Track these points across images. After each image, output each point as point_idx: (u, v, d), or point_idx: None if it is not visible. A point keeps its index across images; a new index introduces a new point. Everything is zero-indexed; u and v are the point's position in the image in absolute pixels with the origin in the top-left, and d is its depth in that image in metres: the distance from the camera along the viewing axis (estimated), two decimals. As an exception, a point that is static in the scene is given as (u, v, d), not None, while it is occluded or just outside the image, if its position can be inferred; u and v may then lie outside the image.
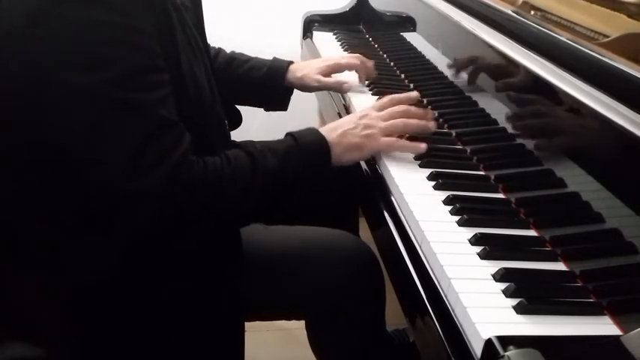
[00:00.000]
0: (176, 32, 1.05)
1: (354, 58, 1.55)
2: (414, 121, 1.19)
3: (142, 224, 1.01)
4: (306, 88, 1.52)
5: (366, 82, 1.55)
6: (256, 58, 1.53)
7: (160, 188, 0.97)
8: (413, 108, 1.22)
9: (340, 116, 1.50)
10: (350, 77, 1.54)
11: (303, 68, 1.52)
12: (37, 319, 1.08)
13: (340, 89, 1.51)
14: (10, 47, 0.95)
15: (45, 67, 0.94)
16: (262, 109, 1.57)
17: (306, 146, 1.11)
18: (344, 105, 1.52)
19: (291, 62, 1.53)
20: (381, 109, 1.21)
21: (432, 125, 1.21)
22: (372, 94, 1.51)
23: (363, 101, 1.46)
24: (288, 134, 1.13)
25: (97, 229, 1.04)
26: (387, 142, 1.17)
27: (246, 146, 1.10)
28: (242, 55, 1.53)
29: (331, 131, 1.15)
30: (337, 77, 1.53)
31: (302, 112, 1.43)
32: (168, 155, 0.98)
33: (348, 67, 1.54)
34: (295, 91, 1.55)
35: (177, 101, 1.02)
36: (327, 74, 1.51)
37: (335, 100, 1.59)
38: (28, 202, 1.03)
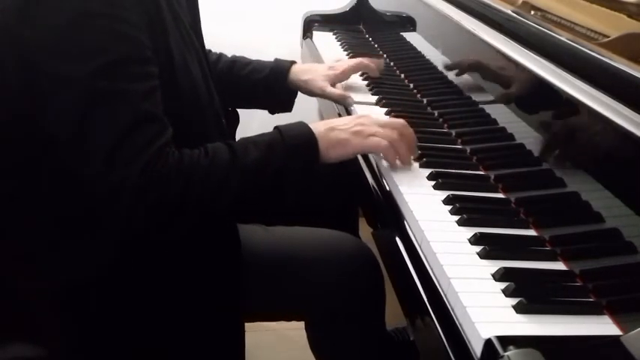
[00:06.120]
0: (167, 25, 1.04)
1: (359, 62, 1.53)
2: (405, 144, 1.14)
3: (123, 218, 1.00)
4: (309, 92, 1.49)
5: (366, 82, 1.54)
6: (258, 60, 1.50)
7: (135, 181, 0.96)
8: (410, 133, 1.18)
9: (340, 116, 1.50)
10: (355, 80, 1.55)
11: (308, 71, 1.48)
12: (37, 318, 1.09)
13: (343, 103, 1.48)
14: None
15: (32, 56, 0.95)
16: (267, 111, 1.55)
17: (291, 139, 1.07)
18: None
19: (294, 62, 1.50)
20: (382, 122, 1.16)
21: (411, 164, 1.17)
22: (372, 94, 1.51)
23: (364, 100, 1.46)
24: (276, 127, 1.10)
25: (89, 226, 1.04)
26: (375, 141, 1.11)
27: (230, 141, 1.07)
28: (243, 58, 1.51)
29: (321, 125, 1.11)
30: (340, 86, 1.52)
31: (302, 112, 1.43)
32: (146, 148, 0.97)
33: (355, 72, 1.52)
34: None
35: (168, 94, 1.02)
36: (333, 83, 1.48)
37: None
38: (24, 199, 1.04)
